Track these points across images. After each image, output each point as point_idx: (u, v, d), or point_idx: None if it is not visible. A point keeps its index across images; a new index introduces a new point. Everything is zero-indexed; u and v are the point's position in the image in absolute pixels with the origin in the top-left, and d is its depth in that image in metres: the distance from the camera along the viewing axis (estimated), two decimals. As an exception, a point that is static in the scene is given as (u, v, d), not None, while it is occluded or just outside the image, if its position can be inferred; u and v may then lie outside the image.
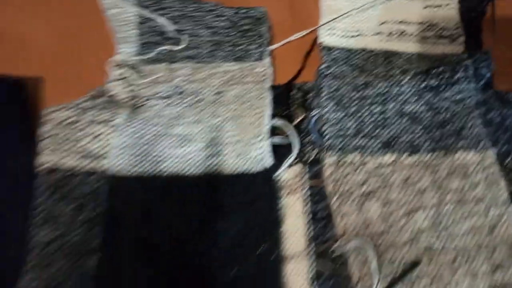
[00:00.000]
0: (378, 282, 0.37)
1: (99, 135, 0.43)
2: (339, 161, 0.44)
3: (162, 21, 0.49)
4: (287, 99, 0.48)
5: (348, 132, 0.45)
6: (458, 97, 0.47)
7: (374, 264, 0.38)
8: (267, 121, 0.45)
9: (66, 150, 0.42)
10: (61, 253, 0.38)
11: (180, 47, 0.49)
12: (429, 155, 0.44)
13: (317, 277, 0.40)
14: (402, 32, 0.51)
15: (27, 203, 0.40)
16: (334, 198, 0.42)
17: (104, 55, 0.48)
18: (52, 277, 0.37)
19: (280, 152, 0.45)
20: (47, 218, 0.39)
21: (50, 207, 0.39)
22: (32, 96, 0.48)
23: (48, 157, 0.41)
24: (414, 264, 0.38)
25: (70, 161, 0.42)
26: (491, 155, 0.44)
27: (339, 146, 0.44)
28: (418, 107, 0.46)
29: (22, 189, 0.41)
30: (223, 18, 0.51)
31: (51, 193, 0.40)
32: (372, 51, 0.50)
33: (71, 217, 0.39)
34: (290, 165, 0.45)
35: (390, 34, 0.51)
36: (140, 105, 0.46)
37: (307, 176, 0.44)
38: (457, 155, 0.44)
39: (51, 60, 0.50)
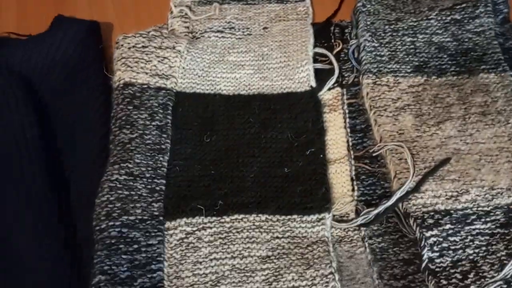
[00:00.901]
0: (413, 175, 0.43)
1: (165, 58, 0.50)
2: (375, 82, 0.50)
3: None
4: (327, 34, 0.54)
5: (383, 59, 0.51)
6: (480, 29, 0.53)
7: (409, 160, 0.44)
8: (310, 48, 0.51)
9: (138, 69, 0.48)
10: (138, 150, 0.45)
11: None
12: (455, 77, 0.50)
13: (358, 176, 0.46)
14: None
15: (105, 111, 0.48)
16: (372, 112, 0.48)
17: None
18: (132, 170, 0.44)
19: (321, 77, 0.51)
20: (126, 122, 0.45)
21: (128, 113, 0.46)
22: (104, 38, 0.55)
23: (124, 74, 0.48)
24: (445, 160, 0.44)
25: (142, 78, 0.48)
26: (509, 76, 0.50)
27: (375, 70, 0.50)
28: (444, 38, 0.52)
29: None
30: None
31: (128, 102, 0.46)
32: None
33: (145, 123, 0.46)
34: (331, 88, 0.51)
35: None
36: (197, 37, 0.53)
37: (346, 96, 0.50)
38: (479, 76, 0.50)
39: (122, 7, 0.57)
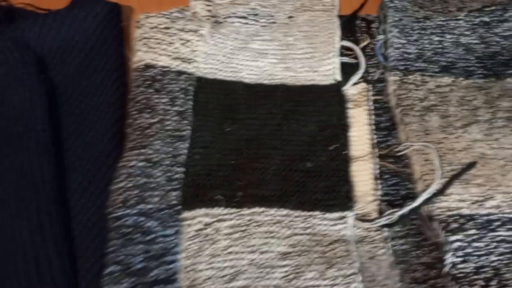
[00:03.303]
0: (440, 177, 0.42)
1: (187, 41, 0.47)
2: (402, 80, 0.48)
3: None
4: (353, 27, 0.53)
5: (410, 56, 0.50)
6: (508, 33, 0.52)
7: (436, 162, 0.43)
8: (337, 40, 0.50)
9: (160, 51, 0.46)
10: (158, 136, 0.43)
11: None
12: (482, 80, 0.49)
13: (381, 175, 0.45)
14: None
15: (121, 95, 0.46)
16: (398, 110, 0.47)
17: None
18: (151, 156, 0.42)
19: (347, 71, 0.50)
20: (146, 106, 0.43)
21: (149, 96, 0.44)
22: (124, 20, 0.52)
23: (145, 55, 0.46)
24: (471, 164, 0.43)
25: (163, 60, 0.46)
26: (536, 82, 0.49)
27: (402, 68, 0.49)
28: (472, 39, 0.51)
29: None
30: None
31: (148, 86, 0.44)
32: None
33: (166, 108, 0.44)
34: (356, 83, 0.50)
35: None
36: (220, 21, 0.51)
37: (371, 92, 0.49)
38: (506, 81, 0.49)
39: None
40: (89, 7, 0.49)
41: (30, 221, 0.40)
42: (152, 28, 0.47)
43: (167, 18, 0.48)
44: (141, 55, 0.46)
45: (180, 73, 0.46)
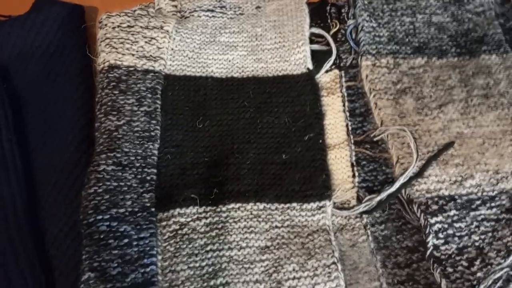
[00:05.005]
0: (416, 160, 0.41)
1: (152, 39, 0.46)
2: (374, 64, 0.47)
3: None
4: (323, 14, 0.52)
5: (382, 39, 0.49)
6: (480, 9, 0.51)
7: (413, 145, 0.42)
8: (306, 28, 0.49)
9: (124, 50, 0.45)
10: (126, 138, 0.42)
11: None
12: (456, 58, 0.48)
13: (358, 161, 0.44)
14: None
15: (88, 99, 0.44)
16: (372, 95, 0.46)
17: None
18: (120, 159, 0.41)
19: (318, 59, 0.49)
20: (112, 108, 0.42)
21: (114, 98, 0.43)
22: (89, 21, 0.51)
23: (108, 56, 0.44)
24: (449, 144, 0.42)
25: (128, 60, 0.45)
26: (511, 57, 0.48)
27: (374, 52, 0.48)
28: (444, 18, 0.50)
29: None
30: None
31: (113, 87, 0.43)
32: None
33: (133, 108, 0.43)
34: (328, 70, 0.49)
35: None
36: (186, 16, 0.49)
37: (344, 79, 0.48)
38: (481, 58, 0.48)
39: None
40: (48, 10, 0.48)
41: (0, 236, 0.39)
42: (114, 27, 0.46)
43: (130, 16, 0.47)
44: (104, 56, 0.44)
45: (146, 72, 0.45)
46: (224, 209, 0.41)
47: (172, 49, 0.47)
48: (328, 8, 0.52)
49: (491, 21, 0.50)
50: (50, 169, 0.42)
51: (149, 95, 0.44)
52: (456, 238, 0.39)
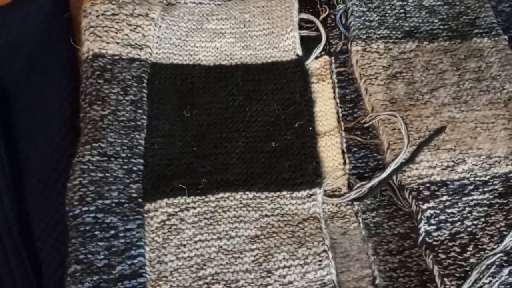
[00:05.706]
0: (407, 145, 0.41)
1: (137, 26, 0.45)
2: (364, 49, 0.47)
3: None
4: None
5: (372, 24, 0.48)
6: (472, -9, 0.50)
7: (403, 130, 0.41)
8: (295, 14, 0.48)
9: (109, 39, 0.44)
10: (111, 128, 0.41)
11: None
12: (447, 42, 0.48)
13: (349, 148, 0.44)
14: None
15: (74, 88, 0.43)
16: (362, 81, 0.45)
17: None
18: (105, 149, 0.40)
19: (307, 45, 0.48)
20: (97, 97, 0.41)
21: (99, 87, 0.42)
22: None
23: (92, 44, 0.43)
24: (440, 129, 0.42)
25: (113, 49, 0.44)
26: (503, 40, 0.47)
27: (364, 37, 0.47)
28: (435, 1, 0.50)
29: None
30: None
31: (97, 76, 0.42)
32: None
33: (118, 98, 0.42)
34: (318, 57, 0.48)
35: None
36: (172, 3, 0.49)
37: (334, 65, 0.47)
38: (473, 41, 0.47)
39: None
40: (32, 0, 0.46)
41: None
42: (99, 16, 0.44)
43: (114, 4, 0.45)
44: (88, 45, 0.43)
45: (131, 60, 0.44)
46: (213, 198, 0.40)
47: (158, 36, 0.46)
48: (317, -7, 0.52)
49: (482, 3, 0.50)
50: (36, 161, 0.42)
51: (135, 84, 0.43)
52: (448, 224, 0.39)
